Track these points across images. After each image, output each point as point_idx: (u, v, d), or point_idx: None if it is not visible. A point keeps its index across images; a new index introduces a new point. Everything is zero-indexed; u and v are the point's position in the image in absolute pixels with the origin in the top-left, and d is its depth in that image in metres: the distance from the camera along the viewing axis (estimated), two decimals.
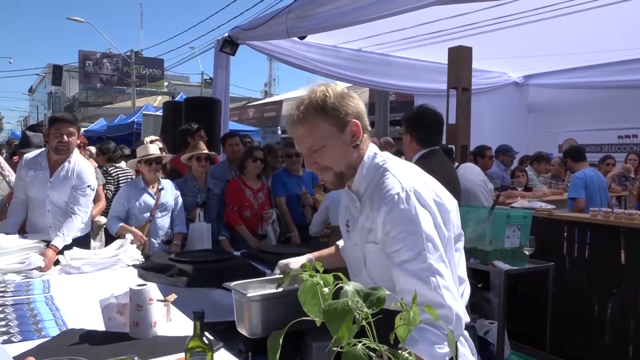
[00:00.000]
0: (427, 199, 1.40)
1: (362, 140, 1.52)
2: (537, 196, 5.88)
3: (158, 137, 5.00)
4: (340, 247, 1.91)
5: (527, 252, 3.53)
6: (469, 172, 4.48)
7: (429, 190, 1.44)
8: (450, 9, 4.74)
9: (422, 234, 1.34)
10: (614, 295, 3.76)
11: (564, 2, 4.72)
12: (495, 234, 3.48)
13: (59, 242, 3.14)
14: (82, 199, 3.41)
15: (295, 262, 1.92)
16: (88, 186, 3.45)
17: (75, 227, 3.34)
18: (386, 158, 1.54)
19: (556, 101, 8.42)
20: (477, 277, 3.96)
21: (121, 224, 3.74)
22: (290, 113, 1.54)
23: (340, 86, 1.56)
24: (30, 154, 3.52)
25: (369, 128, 1.58)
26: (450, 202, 1.52)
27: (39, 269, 2.88)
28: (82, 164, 3.50)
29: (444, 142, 5.76)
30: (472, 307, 4.23)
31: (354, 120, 1.50)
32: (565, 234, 4.10)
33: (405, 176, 1.44)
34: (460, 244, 1.57)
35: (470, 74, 5.23)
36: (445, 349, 1.23)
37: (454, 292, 1.35)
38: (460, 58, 5.12)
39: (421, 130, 2.81)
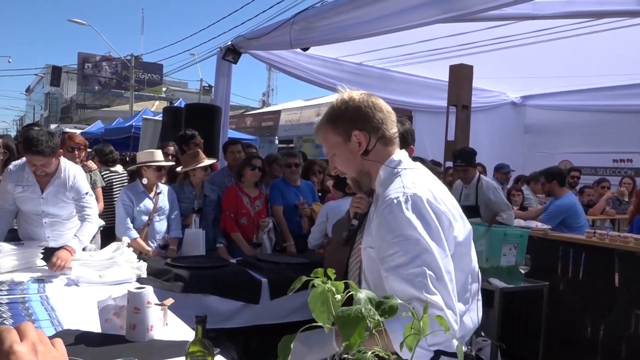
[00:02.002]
0: (429, 206, 1.39)
1: (374, 147, 1.54)
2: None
3: (173, 144, 4.99)
4: None
5: (522, 271, 3.55)
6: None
7: (434, 198, 1.42)
8: (451, 28, 4.81)
9: (418, 240, 1.33)
10: (607, 317, 3.78)
11: (563, 25, 4.79)
12: (491, 251, 3.50)
13: (75, 244, 3.07)
14: (87, 205, 3.32)
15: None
16: (86, 193, 3.34)
17: (91, 231, 3.28)
18: (407, 165, 1.54)
19: (553, 122, 8.50)
20: None
21: (136, 236, 3.73)
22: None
23: (367, 94, 1.60)
24: (13, 166, 3.29)
25: (390, 135, 1.57)
26: (454, 218, 1.47)
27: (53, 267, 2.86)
28: (72, 173, 3.29)
29: (440, 157, 5.85)
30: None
31: (356, 130, 1.53)
32: (561, 254, 4.12)
33: (411, 182, 1.44)
34: (464, 265, 1.52)
35: (470, 92, 5.30)
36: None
37: (449, 299, 1.31)
38: (461, 76, 5.18)
39: None
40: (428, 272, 1.29)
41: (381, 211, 1.42)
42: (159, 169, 3.87)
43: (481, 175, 4.87)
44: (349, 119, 1.54)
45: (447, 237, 1.41)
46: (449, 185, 4.68)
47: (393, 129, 1.57)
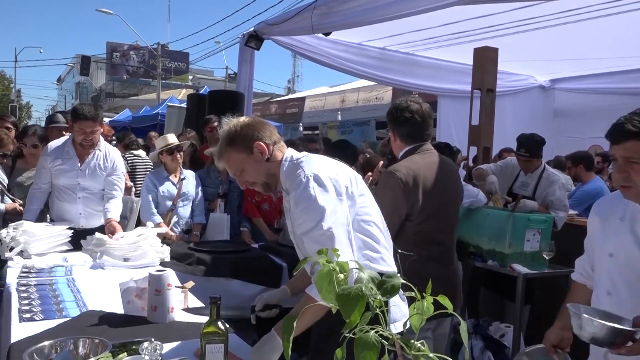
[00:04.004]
0: (326, 181, 1.70)
1: (272, 152, 1.84)
2: None
3: (193, 132, 5.08)
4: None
5: (546, 257, 3.48)
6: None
7: (331, 173, 1.74)
8: (476, 10, 4.70)
9: (319, 209, 1.65)
10: None
11: (593, 5, 4.63)
12: (514, 237, 3.44)
13: (114, 215, 3.33)
14: (119, 184, 3.52)
15: (270, 296, 2.14)
16: (122, 172, 3.58)
17: (118, 207, 3.46)
18: (302, 157, 1.86)
19: (583, 106, 8.25)
20: (495, 280, 3.93)
21: (160, 221, 3.81)
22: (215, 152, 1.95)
23: (245, 117, 1.96)
24: (54, 143, 3.53)
25: (277, 139, 1.89)
26: (347, 180, 1.79)
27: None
28: (112, 152, 3.57)
29: (466, 143, 5.75)
30: (485, 309, 4.19)
31: (256, 142, 1.82)
32: None
33: (310, 166, 1.75)
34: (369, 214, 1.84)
35: (495, 75, 5.18)
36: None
37: (347, 252, 1.64)
38: (485, 59, 5.07)
39: (403, 125, 2.56)
40: (331, 231, 1.63)
41: (292, 192, 1.75)
42: (171, 151, 3.92)
43: (547, 167, 4.37)
44: (245, 136, 1.83)
45: (349, 201, 1.75)
46: (478, 178, 4.31)
47: (275, 134, 1.91)
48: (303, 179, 1.71)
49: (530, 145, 4.17)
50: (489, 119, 5.11)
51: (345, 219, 1.71)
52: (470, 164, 5.64)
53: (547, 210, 3.98)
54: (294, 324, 0.82)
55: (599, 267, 1.78)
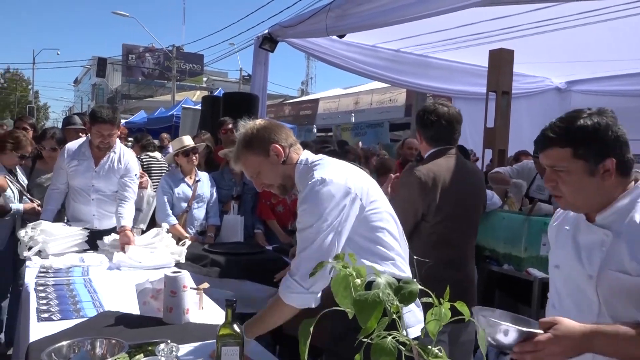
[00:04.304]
0: (332, 187, 1.69)
1: (288, 154, 1.86)
2: None
3: (208, 134, 5.11)
4: None
5: None
6: None
7: (340, 179, 1.72)
8: (491, 11, 4.67)
9: (317, 212, 1.67)
10: None
11: (610, 6, 4.58)
12: (530, 241, 3.42)
13: (127, 222, 3.29)
14: (132, 187, 3.51)
15: None
16: (135, 175, 3.57)
17: (131, 212, 3.44)
18: (317, 160, 1.86)
19: None
20: (510, 284, 3.89)
21: (175, 222, 3.83)
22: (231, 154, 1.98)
23: (261, 120, 1.98)
24: (71, 144, 3.56)
25: (293, 142, 1.90)
26: (359, 186, 1.77)
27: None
28: (127, 154, 3.58)
29: (480, 145, 5.71)
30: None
31: (272, 144, 1.83)
32: None
33: (321, 170, 1.76)
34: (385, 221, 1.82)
35: (511, 77, 5.15)
36: (300, 299, 1.65)
37: (321, 257, 1.62)
38: (501, 61, 5.04)
39: (429, 128, 2.59)
40: (314, 236, 1.67)
41: (300, 196, 1.77)
42: (187, 153, 3.94)
43: None
44: (262, 138, 1.85)
45: (355, 208, 1.74)
46: (495, 181, 4.27)
47: (291, 137, 1.92)
48: (310, 182, 1.73)
49: None
50: (505, 121, 5.08)
51: (341, 225, 1.70)
52: (486, 166, 5.60)
53: None
54: (311, 329, 0.83)
55: (551, 279, 1.65)
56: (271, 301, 1.77)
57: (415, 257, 1.71)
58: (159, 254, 3.00)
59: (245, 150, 1.87)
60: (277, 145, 1.85)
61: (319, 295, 1.69)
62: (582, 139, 1.42)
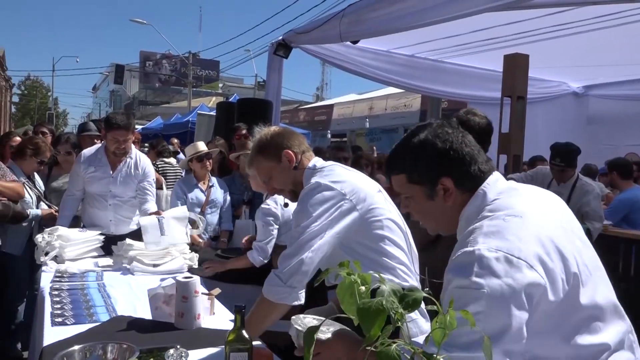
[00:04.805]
0: (328, 192, 1.73)
1: (300, 160, 1.92)
2: None
3: (222, 140, 5.16)
4: None
5: None
6: None
7: (338, 186, 1.75)
8: (506, 16, 4.63)
9: (307, 216, 1.71)
10: None
11: (627, 10, 4.51)
12: None
13: (155, 210, 3.41)
14: (151, 190, 3.58)
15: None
16: (152, 179, 3.65)
17: (155, 208, 3.51)
18: (324, 166, 1.91)
19: (618, 113, 8.03)
20: None
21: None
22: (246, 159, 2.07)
23: (276, 127, 2.06)
24: (87, 151, 3.62)
25: (305, 148, 1.96)
26: (361, 196, 1.77)
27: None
28: (143, 159, 3.64)
29: (494, 150, 5.65)
30: None
31: (285, 150, 1.90)
32: (622, 251, 3.92)
33: (320, 176, 1.81)
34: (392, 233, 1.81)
35: (526, 82, 5.09)
36: (276, 292, 1.69)
37: (314, 254, 1.70)
38: (515, 66, 4.98)
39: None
40: (309, 236, 1.69)
41: (299, 197, 1.81)
42: (200, 159, 3.98)
43: (580, 176, 4.28)
44: (275, 144, 1.92)
45: (350, 217, 1.75)
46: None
47: (304, 144, 1.98)
48: (307, 186, 1.80)
49: (566, 155, 4.11)
50: (520, 126, 5.01)
51: (328, 229, 1.71)
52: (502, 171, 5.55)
53: (582, 220, 3.89)
54: (315, 336, 0.82)
55: None
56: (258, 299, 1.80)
57: (424, 277, 1.70)
58: (172, 259, 3.02)
59: (259, 156, 1.94)
60: (290, 151, 1.91)
61: (301, 293, 1.72)
62: (409, 163, 1.31)
